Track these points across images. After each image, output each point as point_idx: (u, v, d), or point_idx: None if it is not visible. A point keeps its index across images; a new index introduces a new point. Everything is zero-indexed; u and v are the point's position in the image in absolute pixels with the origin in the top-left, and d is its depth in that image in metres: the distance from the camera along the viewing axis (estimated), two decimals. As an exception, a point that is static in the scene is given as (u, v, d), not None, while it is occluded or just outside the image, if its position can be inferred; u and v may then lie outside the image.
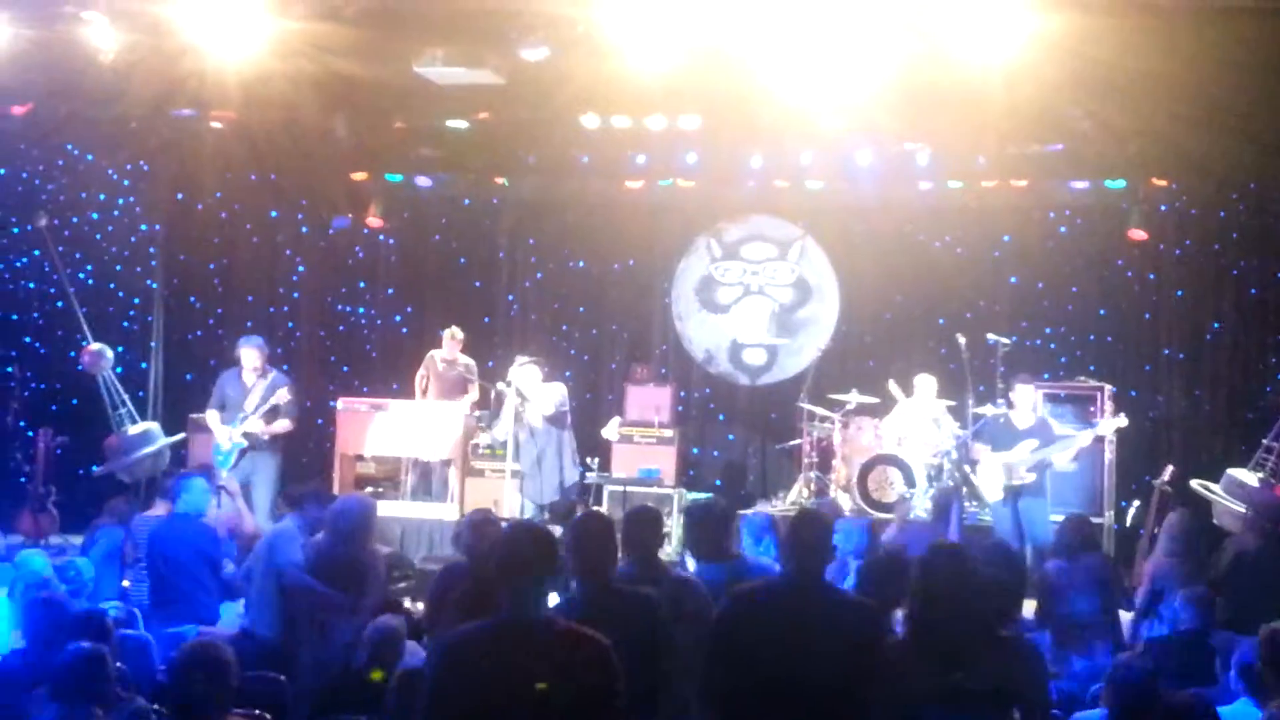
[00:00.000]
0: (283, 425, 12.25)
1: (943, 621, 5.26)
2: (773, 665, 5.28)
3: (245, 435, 12.03)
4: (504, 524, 7.36)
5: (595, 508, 11.19)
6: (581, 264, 15.95)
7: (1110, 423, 12.19)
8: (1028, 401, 12.00)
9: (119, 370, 13.18)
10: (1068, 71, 10.37)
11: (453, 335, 13.80)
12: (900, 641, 5.49)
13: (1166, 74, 10.56)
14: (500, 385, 12.62)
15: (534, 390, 12.45)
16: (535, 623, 4.58)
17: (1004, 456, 11.63)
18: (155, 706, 6.09)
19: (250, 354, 12.34)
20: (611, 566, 5.70)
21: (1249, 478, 10.88)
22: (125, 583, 9.56)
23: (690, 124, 13.22)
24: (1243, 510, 10.48)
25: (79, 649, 5.45)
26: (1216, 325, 14.26)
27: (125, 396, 12.91)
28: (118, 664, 6.04)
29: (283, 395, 12.13)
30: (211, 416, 12.32)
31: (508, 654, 4.47)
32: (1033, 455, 11.52)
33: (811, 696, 5.23)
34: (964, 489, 12.55)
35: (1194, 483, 11.26)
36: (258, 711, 6.21)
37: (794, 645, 5.28)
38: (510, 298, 16.12)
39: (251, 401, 12.13)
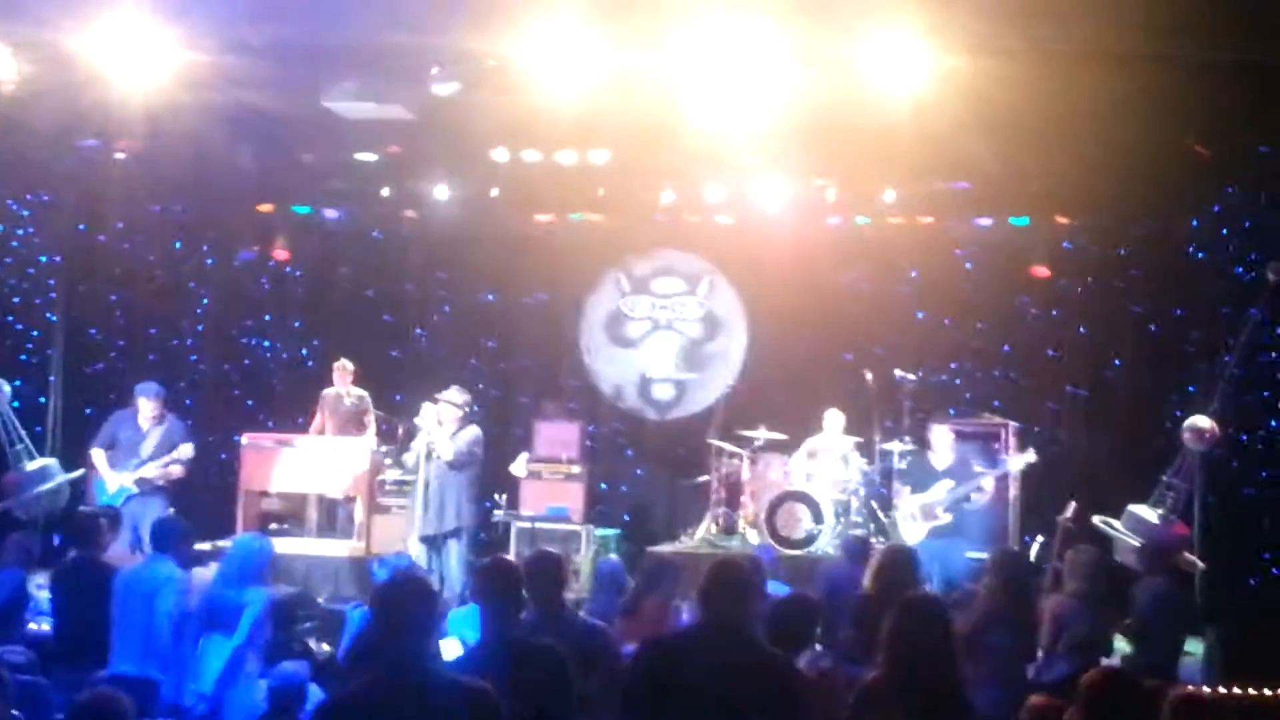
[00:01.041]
0: (177, 470, 12.10)
1: (919, 671, 5.32)
2: (686, 714, 5.20)
3: (138, 482, 11.87)
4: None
5: (501, 555, 10.88)
6: (491, 298, 15.91)
7: (1020, 459, 12.36)
8: (945, 442, 12.15)
9: (16, 405, 12.87)
10: (971, 111, 10.48)
11: (343, 367, 13.67)
12: (874, 681, 5.49)
13: (1066, 115, 10.77)
14: (416, 420, 12.28)
15: (442, 429, 12.08)
16: (416, 678, 4.42)
17: (921, 498, 11.77)
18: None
19: (147, 404, 12.17)
20: (516, 616, 5.61)
21: (1149, 514, 11.00)
22: (33, 625, 9.33)
23: (600, 158, 13.25)
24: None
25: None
26: (1118, 362, 14.44)
27: (23, 432, 12.59)
28: (14, 712, 5.89)
29: (186, 451, 12.08)
30: (98, 456, 12.10)
31: (388, 713, 4.35)
32: (949, 495, 11.70)
33: None
34: (872, 526, 12.64)
35: (1096, 519, 11.38)
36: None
37: (707, 695, 5.19)
38: (419, 331, 16.04)
39: (148, 447, 12.00)
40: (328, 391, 13.68)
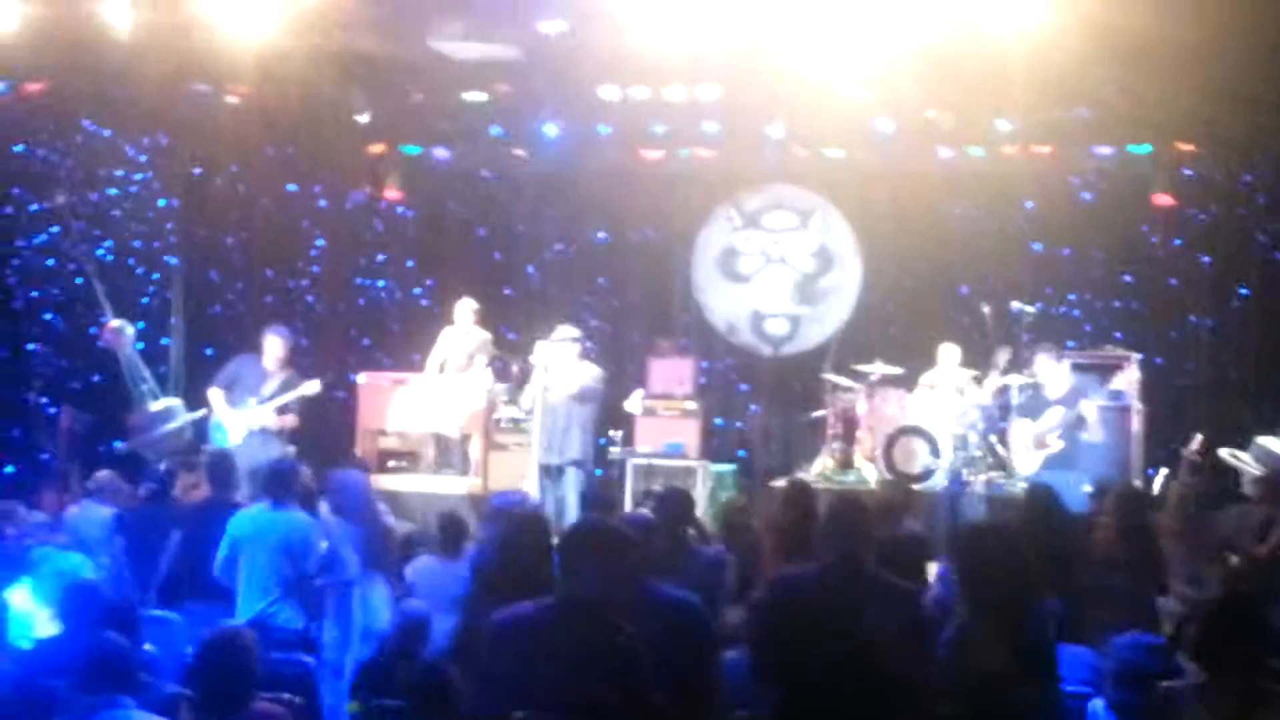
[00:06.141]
0: (290, 420, 12.07)
1: (996, 602, 5.37)
2: (823, 648, 5.27)
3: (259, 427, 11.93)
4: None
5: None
6: (601, 236, 15.89)
7: (1124, 377, 12.29)
8: (1051, 372, 12.03)
9: (140, 346, 13.12)
10: (1091, 37, 10.26)
11: (467, 306, 13.57)
12: (961, 624, 5.51)
13: (1189, 41, 10.46)
14: (531, 359, 12.33)
15: (562, 368, 12.12)
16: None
17: (1034, 426, 11.66)
18: (183, 691, 6.07)
19: (276, 344, 12.13)
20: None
21: (1278, 445, 10.77)
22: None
23: (709, 93, 13.16)
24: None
25: (106, 641, 5.41)
26: (1243, 291, 14.15)
27: (147, 373, 12.84)
28: (146, 646, 6.01)
29: (312, 387, 12.01)
30: (215, 396, 12.02)
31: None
32: (1059, 421, 11.61)
33: (866, 679, 5.23)
34: (989, 459, 12.50)
35: (1223, 451, 11.17)
36: (286, 695, 6.19)
37: (842, 628, 5.28)
38: (530, 270, 16.07)
39: (270, 388, 11.93)
40: (449, 330, 13.64)
